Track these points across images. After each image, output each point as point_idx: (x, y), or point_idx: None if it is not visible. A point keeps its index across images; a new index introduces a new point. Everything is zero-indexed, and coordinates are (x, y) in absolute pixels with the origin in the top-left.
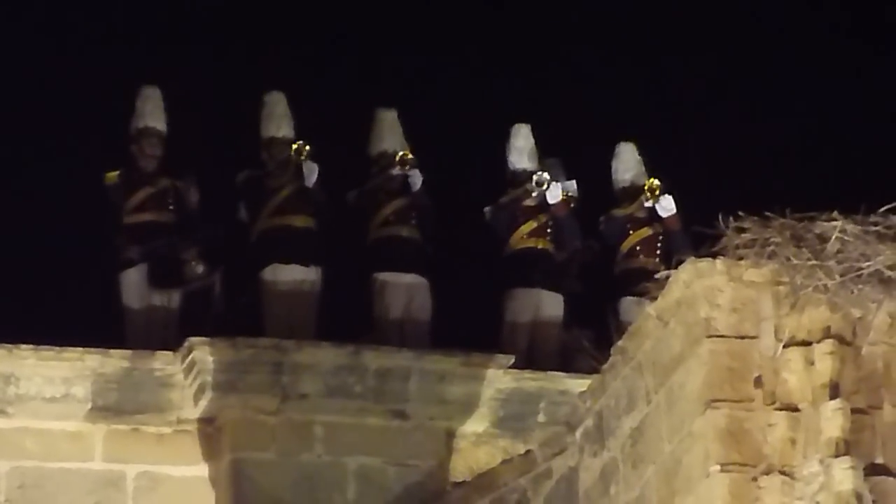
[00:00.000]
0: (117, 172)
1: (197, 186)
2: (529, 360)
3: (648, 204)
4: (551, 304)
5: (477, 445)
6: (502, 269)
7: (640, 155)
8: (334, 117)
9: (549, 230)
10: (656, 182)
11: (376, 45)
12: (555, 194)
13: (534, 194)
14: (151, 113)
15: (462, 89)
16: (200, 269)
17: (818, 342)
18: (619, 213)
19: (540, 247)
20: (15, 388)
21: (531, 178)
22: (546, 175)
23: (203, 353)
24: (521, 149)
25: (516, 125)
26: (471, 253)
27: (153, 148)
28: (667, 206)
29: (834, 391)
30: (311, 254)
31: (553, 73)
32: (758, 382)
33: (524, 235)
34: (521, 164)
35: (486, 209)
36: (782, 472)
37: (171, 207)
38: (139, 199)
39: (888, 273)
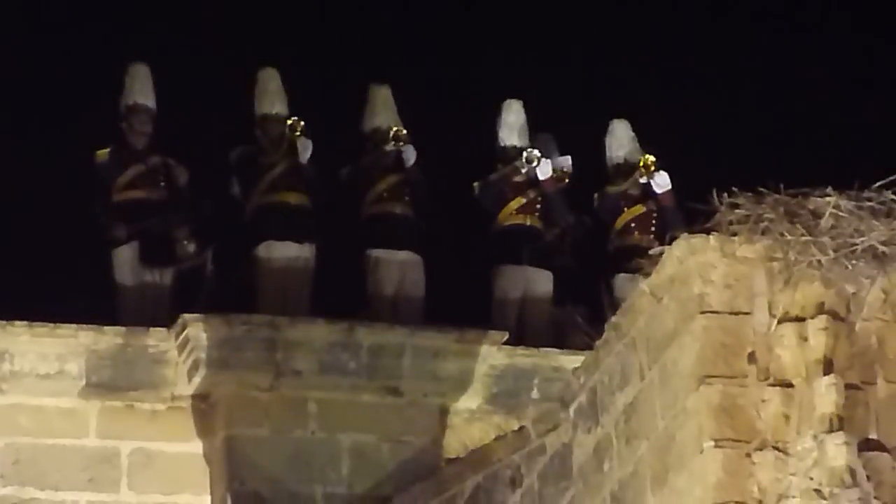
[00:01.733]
0: (108, 150)
1: (185, 166)
2: (519, 337)
3: (643, 180)
4: (540, 281)
5: (470, 422)
6: (491, 246)
7: (633, 132)
8: (328, 93)
9: (538, 207)
10: (651, 158)
11: (370, 20)
12: (544, 171)
13: (523, 170)
14: (140, 90)
15: (456, 65)
16: (192, 247)
17: (812, 318)
18: (613, 189)
19: (529, 223)
20: (9, 364)
21: (521, 155)
22: (536, 152)
23: (197, 329)
24: (512, 125)
25: (507, 101)
26: (464, 229)
27: (143, 125)
28: (661, 183)
29: (827, 367)
30: (305, 230)
31: (546, 49)
32: (751, 358)
33: (513, 212)
34: (511, 140)
35: (475, 184)
36: (776, 448)
37: (162, 184)
38: (130, 176)
39: (882, 249)
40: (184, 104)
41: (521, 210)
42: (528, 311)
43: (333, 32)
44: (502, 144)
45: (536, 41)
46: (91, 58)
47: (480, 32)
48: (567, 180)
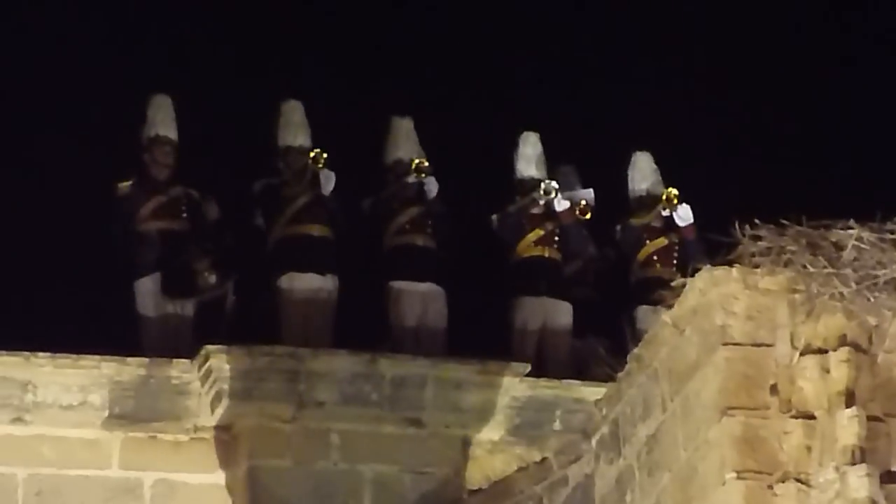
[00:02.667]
0: (129, 182)
1: (216, 202)
2: (541, 369)
3: (666, 213)
4: (560, 313)
5: (493, 453)
6: (510, 278)
7: (655, 164)
8: (350, 125)
9: (556, 239)
10: (674, 191)
11: (392, 52)
12: (562, 203)
13: (541, 202)
14: (163, 121)
15: (477, 97)
16: (213, 278)
17: (834, 350)
18: (635, 222)
19: (547, 255)
20: (32, 395)
21: (539, 186)
22: (554, 184)
23: (219, 360)
24: (529, 157)
25: (524, 133)
26: (486, 260)
27: (165, 156)
28: (684, 216)
29: (849, 399)
30: (328, 262)
31: (568, 81)
32: (773, 390)
33: (531, 244)
34: (529, 171)
35: (494, 217)
36: (798, 480)
37: (184, 215)
38: (151, 207)
39: None
40: (207, 136)
41: (539, 242)
42: (548, 343)
43: (356, 64)
44: (520, 176)
45: (559, 73)
46: (114, 88)
47: (503, 64)
48: (589, 214)
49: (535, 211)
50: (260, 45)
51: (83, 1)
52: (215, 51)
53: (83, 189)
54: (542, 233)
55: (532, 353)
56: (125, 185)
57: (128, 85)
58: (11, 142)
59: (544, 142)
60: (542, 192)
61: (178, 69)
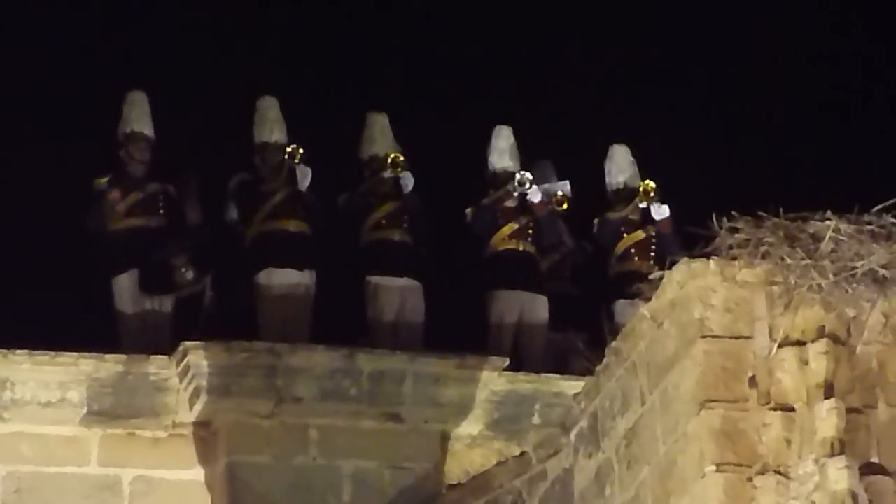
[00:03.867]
0: (106, 178)
1: (198, 202)
2: (519, 363)
3: (643, 205)
4: (536, 307)
5: (472, 448)
6: (485, 271)
7: (633, 156)
8: (326, 121)
9: (530, 231)
10: (651, 184)
11: (367, 48)
12: (535, 195)
13: (515, 194)
14: (138, 118)
15: (453, 91)
16: (190, 274)
17: (812, 342)
18: (612, 215)
19: (522, 248)
20: (10, 392)
21: (512, 179)
22: (528, 175)
23: (198, 356)
24: (503, 149)
25: (497, 126)
26: (462, 254)
27: (141, 153)
28: (660, 210)
29: (828, 391)
30: (305, 258)
31: (543, 74)
32: (752, 382)
33: (505, 237)
34: (503, 164)
35: (468, 211)
36: (777, 472)
37: (160, 212)
38: (128, 203)
39: (882, 272)
40: (182, 132)
41: (514, 235)
42: (525, 337)
43: (331, 60)
44: (493, 169)
45: (535, 66)
46: (90, 85)
47: (478, 58)
48: (566, 205)
49: (510, 204)
50: (235, 40)
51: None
52: (192, 47)
53: (60, 186)
54: (516, 226)
55: (509, 347)
56: (102, 182)
57: (104, 81)
58: None
59: (520, 136)
60: (516, 184)
61: (154, 65)
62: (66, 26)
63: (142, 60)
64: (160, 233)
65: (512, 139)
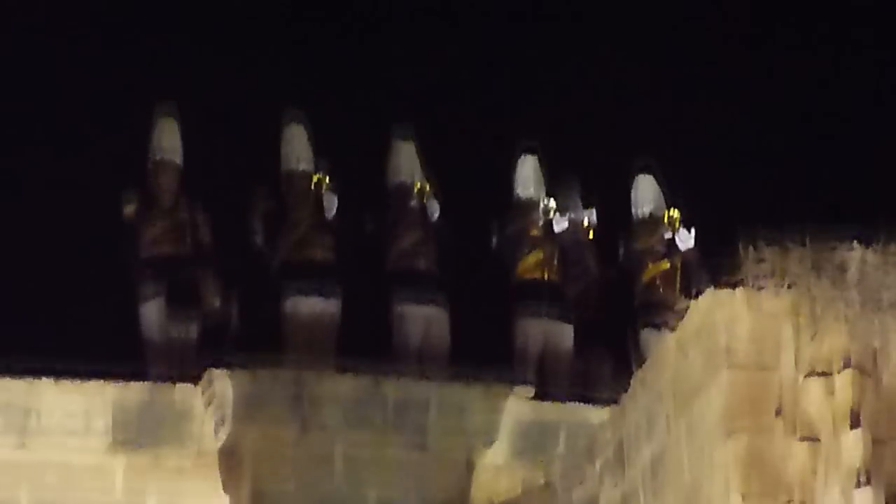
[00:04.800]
0: (134, 206)
1: (208, 222)
2: (545, 391)
3: (668, 235)
4: (561, 335)
5: (497, 476)
6: (511, 300)
7: (658, 186)
8: (353, 149)
9: (555, 260)
10: (676, 214)
11: (396, 77)
12: (561, 223)
13: (540, 223)
14: (169, 146)
15: (482, 117)
16: (217, 302)
17: (838, 372)
18: (638, 245)
19: (547, 277)
20: (36, 420)
21: (537, 208)
22: (553, 202)
23: (223, 384)
24: (527, 178)
25: (523, 155)
26: (488, 283)
27: (170, 181)
28: (685, 239)
29: (854, 421)
30: (331, 285)
31: (572, 102)
32: (778, 412)
33: (531, 265)
34: (528, 192)
35: (494, 239)
36: (803, 502)
37: (188, 240)
38: (156, 231)
39: None
40: (211, 159)
41: (539, 263)
42: (550, 365)
43: (359, 88)
44: (518, 198)
45: (563, 94)
46: (120, 109)
47: (507, 87)
48: (592, 233)
49: (535, 233)
50: (265, 68)
51: (90, 22)
52: (222, 73)
53: (88, 213)
54: (541, 254)
55: (534, 375)
56: (130, 209)
57: (134, 105)
58: (17, 166)
59: (547, 163)
60: (540, 213)
61: (182, 92)
62: (97, 48)
63: (171, 86)
64: (188, 260)
65: (537, 168)
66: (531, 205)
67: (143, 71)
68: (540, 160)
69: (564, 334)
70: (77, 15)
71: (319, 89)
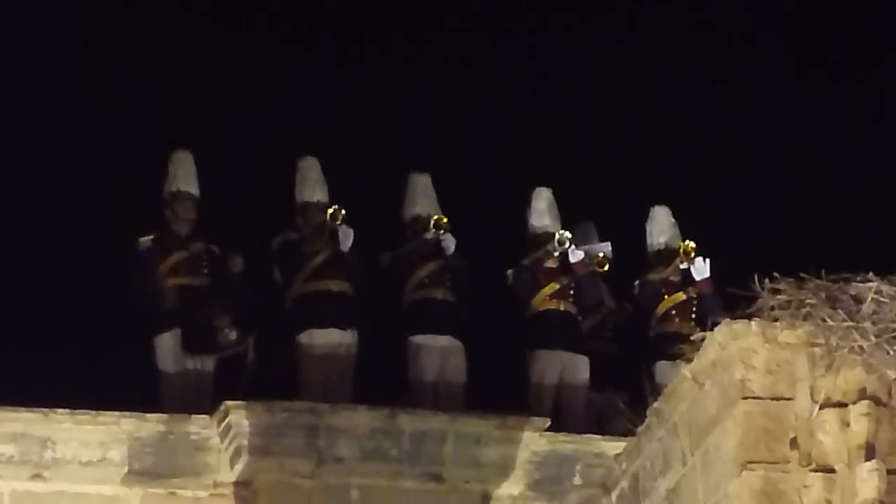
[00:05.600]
0: (151, 237)
1: (240, 255)
2: (560, 423)
3: (683, 266)
4: (577, 367)
5: None
6: (526, 332)
7: (674, 218)
8: (368, 181)
9: (571, 292)
10: (692, 245)
11: (409, 109)
12: (576, 255)
13: (555, 254)
14: (184, 177)
15: (494, 152)
16: (234, 335)
17: (854, 403)
18: (653, 277)
19: (563, 308)
20: (51, 451)
21: (552, 240)
22: (567, 234)
23: (239, 416)
24: (542, 211)
25: (537, 188)
26: (504, 315)
27: (186, 212)
28: (701, 270)
29: (870, 452)
30: (347, 317)
31: (586, 136)
32: (793, 444)
33: (546, 297)
34: (542, 225)
35: (509, 272)
36: None
37: (205, 271)
38: (173, 263)
39: None
40: (226, 192)
41: (555, 295)
42: (565, 397)
43: (374, 121)
44: (533, 230)
45: (577, 128)
46: (135, 144)
47: (522, 120)
48: (607, 266)
49: (550, 264)
50: (279, 100)
51: (103, 57)
52: (234, 106)
53: (104, 244)
54: (557, 286)
55: (549, 408)
56: (146, 241)
57: (149, 141)
58: (32, 196)
59: (563, 198)
60: (556, 244)
61: (196, 125)
62: (111, 84)
63: (184, 120)
64: (204, 292)
65: (552, 200)
66: (546, 237)
67: (157, 105)
68: (556, 193)
69: (580, 366)
70: (92, 49)
71: (335, 121)
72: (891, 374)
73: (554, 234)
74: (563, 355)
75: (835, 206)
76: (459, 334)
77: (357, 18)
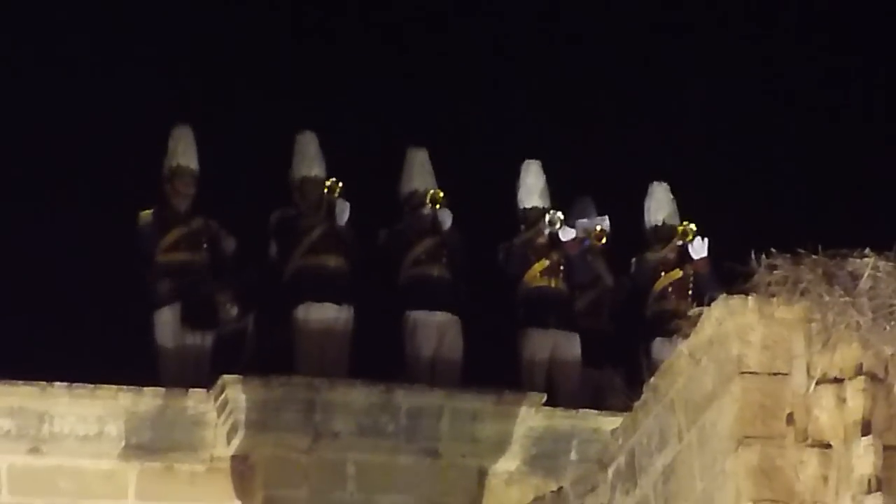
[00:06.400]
0: (150, 211)
1: (230, 234)
2: (552, 399)
3: (681, 244)
4: (568, 344)
5: (509, 484)
6: (517, 309)
7: (672, 194)
8: (365, 156)
9: (561, 269)
10: (691, 227)
11: (406, 84)
12: (567, 233)
13: (546, 232)
14: (184, 152)
15: (491, 128)
16: (234, 311)
17: (850, 379)
18: (651, 255)
19: (553, 286)
20: (49, 426)
21: (543, 216)
22: (559, 214)
23: (236, 391)
24: (531, 186)
25: (526, 162)
26: (500, 291)
27: (186, 187)
28: (699, 249)
29: (866, 428)
30: (344, 292)
31: (583, 112)
32: (790, 420)
33: (537, 274)
34: (532, 201)
35: (499, 249)
36: None
37: (204, 247)
38: (172, 238)
39: None
40: (224, 167)
41: (545, 272)
42: (558, 374)
43: (371, 96)
44: (523, 207)
45: (575, 104)
46: (134, 119)
47: (519, 93)
48: (605, 240)
49: (541, 241)
50: (276, 76)
51: (105, 34)
52: (233, 82)
53: (103, 218)
54: (547, 263)
55: (542, 385)
56: (146, 216)
57: (148, 115)
58: (33, 172)
59: (562, 173)
60: (546, 223)
61: (194, 100)
62: (111, 60)
63: (183, 96)
64: (203, 268)
65: (542, 175)
66: (536, 214)
67: (157, 81)
68: (554, 168)
69: (571, 343)
70: (91, 27)
71: (332, 96)
72: (887, 350)
73: (544, 212)
74: (555, 333)
75: (832, 182)
76: (456, 310)
77: None
